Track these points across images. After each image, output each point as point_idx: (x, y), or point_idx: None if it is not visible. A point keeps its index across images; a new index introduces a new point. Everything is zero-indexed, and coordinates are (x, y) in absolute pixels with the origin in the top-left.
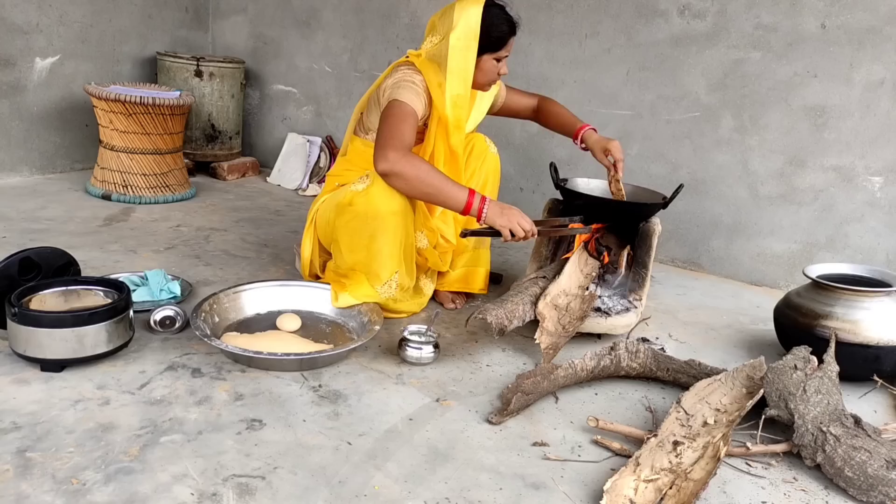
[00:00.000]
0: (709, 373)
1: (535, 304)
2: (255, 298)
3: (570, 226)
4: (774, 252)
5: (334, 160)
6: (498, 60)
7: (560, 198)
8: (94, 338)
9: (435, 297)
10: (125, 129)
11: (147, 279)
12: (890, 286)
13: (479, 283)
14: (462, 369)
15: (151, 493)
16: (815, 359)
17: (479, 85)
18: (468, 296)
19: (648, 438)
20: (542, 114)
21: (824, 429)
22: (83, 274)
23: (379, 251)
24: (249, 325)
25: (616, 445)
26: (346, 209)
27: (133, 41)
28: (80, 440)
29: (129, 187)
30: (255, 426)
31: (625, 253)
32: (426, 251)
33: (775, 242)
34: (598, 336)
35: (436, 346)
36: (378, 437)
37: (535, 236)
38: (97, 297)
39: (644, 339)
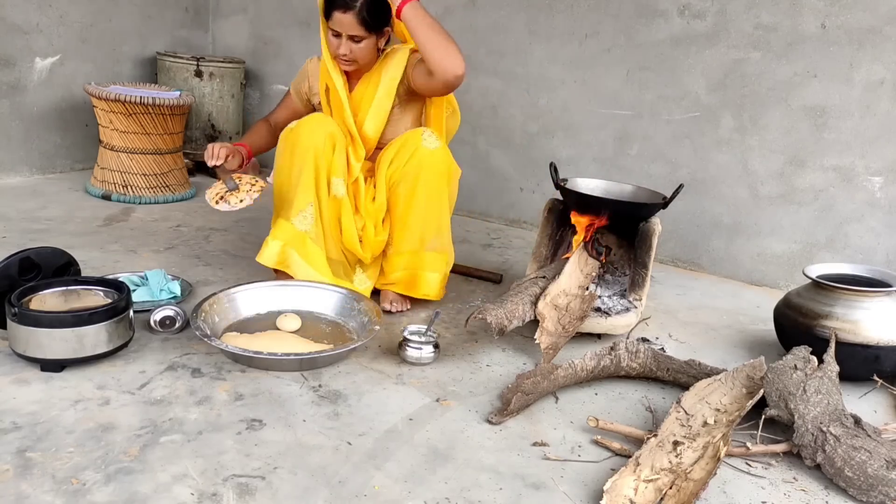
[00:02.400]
0: (709, 373)
1: (535, 304)
2: (255, 298)
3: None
4: (774, 252)
5: None
6: (335, 35)
7: (560, 198)
8: (94, 338)
9: (379, 294)
10: (125, 129)
11: (147, 279)
12: (890, 286)
13: (422, 289)
14: (462, 369)
15: (151, 493)
16: (815, 359)
17: (332, 56)
18: (414, 300)
19: (648, 438)
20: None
21: (824, 429)
22: (83, 274)
23: (298, 178)
24: (249, 325)
25: (616, 445)
26: (280, 141)
27: (133, 41)
28: (80, 440)
29: (129, 187)
30: (255, 426)
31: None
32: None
33: (775, 242)
34: (598, 336)
35: (436, 346)
36: (378, 437)
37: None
38: (97, 297)
39: (644, 339)
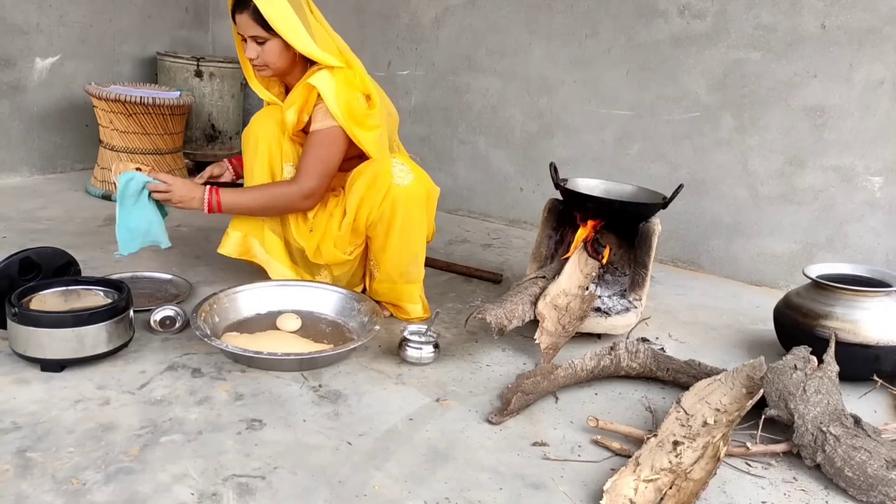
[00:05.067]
0: (709, 373)
1: (534, 304)
2: (256, 298)
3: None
4: (774, 252)
5: None
6: (242, 39)
7: (560, 198)
8: (94, 338)
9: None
10: (125, 130)
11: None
12: (890, 286)
13: (407, 315)
14: (462, 369)
15: (151, 493)
16: (815, 359)
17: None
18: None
19: (648, 438)
20: None
21: (824, 429)
22: (83, 274)
23: (252, 169)
24: (249, 325)
25: (616, 445)
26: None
27: (133, 41)
28: (80, 440)
29: None
30: (255, 426)
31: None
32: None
33: (775, 242)
34: (598, 336)
35: (436, 346)
36: (378, 437)
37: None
38: (97, 297)
39: (644, 339)
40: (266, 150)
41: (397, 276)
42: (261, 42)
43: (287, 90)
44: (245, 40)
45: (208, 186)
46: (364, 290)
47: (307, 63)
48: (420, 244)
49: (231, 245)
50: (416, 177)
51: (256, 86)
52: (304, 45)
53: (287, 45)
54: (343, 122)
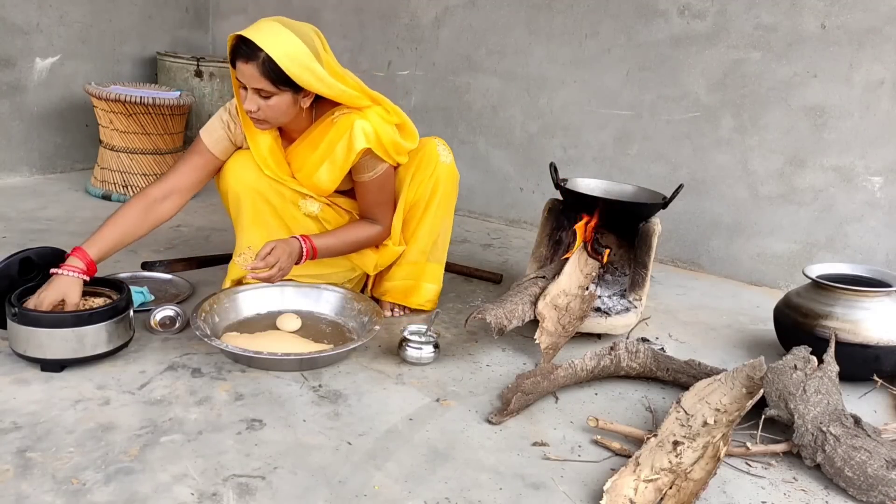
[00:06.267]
0: (709, 373)
1: (534, 304)
2: (256, 298)
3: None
4: (774, 252)
5: None
6: (241, 87)
7: (560, 198)
8: (94, 338)
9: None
10: (125, 129)
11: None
12: (890, 286)
13: (419, 298)
14: (462, 369)
15: (151, 493)
16: (815, 359)
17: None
18: (410, 309)
19: (648, 438)
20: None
21: (824, 429)
22: None
23: (236, 222)
24: (249, 325)
25: (616, 445)
26: (220, 187)
27: (133, 41)
28: (80, 440)
29: (129, 187)
30: (255, 426)
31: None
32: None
33: (775, 242)
34: (598, 336)
35: (436, 346)
36: (378, 437)
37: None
38: (97, 297)
39: (644, 339)
40: (248, 201)
41: (421, 255)
42: (266, 96)
43: (281, 132)
44: (244, 88)
45: (300, 237)
46: (363, 290)
47: (312, 109)
48: (449, 223)
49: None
50: (453, 158)
51: (251, 130)
52: (335, 90)
53: (295, 100)
54: (391, 161)
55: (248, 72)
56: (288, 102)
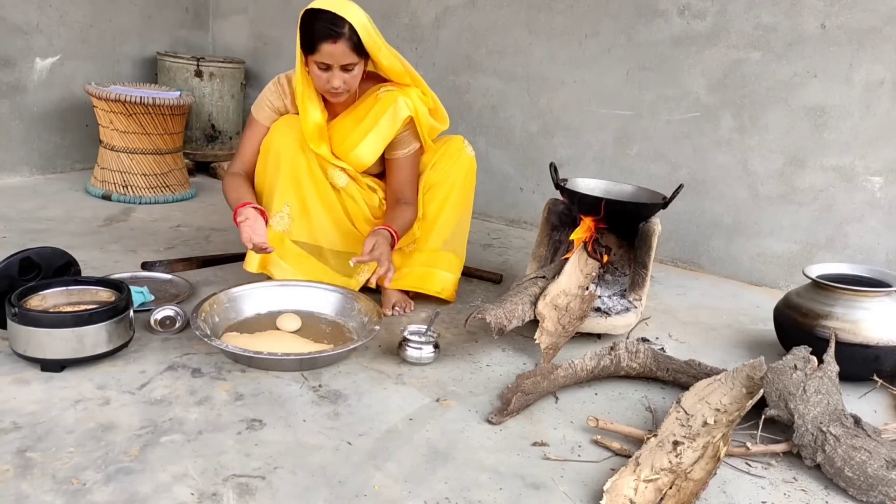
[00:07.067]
0: (709, 373)
1: (534, 304)
2: (256, 298)
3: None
4: (774, 252)
5: None
6: (322, 68)
7: (560, 198)
8: (94, 338)
9: (381, 294)
10: (125, 130)
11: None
12: (890, 286)
13: (436, 286)
14: (462, 369)
15: (151, 493)
16: (815, 359)
17: (321, 91)
18: (418, 302)
19: (648, 438)
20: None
21: (824, 429)
22: (83, 274)
23: (274, 180)
24: (249, 325)
25: (616, 445)
26: (262, 146)
27: (133, 41)
28: (80, 440)
29: (129, 187)
30: (255, 426)
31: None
32: (350, 192)
33: (775, 242)
34: (598, 336)
35: (436, 346)
36: (378, 437)
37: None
38: (97, 298)
39: (644, 339)
40: (288, 161)
41: (441, 243)
42: (350, 69)
43: (326, 104)
44: (327, 69)
45: (384, 227)
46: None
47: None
48: (467, 215)
49: (252, 260)
50: (474, 152)
51: (313, 103)
52: (392, 63)
53: (365, 66)
54: (422, 141)
55: (339, 50)
56: (361, 71)
